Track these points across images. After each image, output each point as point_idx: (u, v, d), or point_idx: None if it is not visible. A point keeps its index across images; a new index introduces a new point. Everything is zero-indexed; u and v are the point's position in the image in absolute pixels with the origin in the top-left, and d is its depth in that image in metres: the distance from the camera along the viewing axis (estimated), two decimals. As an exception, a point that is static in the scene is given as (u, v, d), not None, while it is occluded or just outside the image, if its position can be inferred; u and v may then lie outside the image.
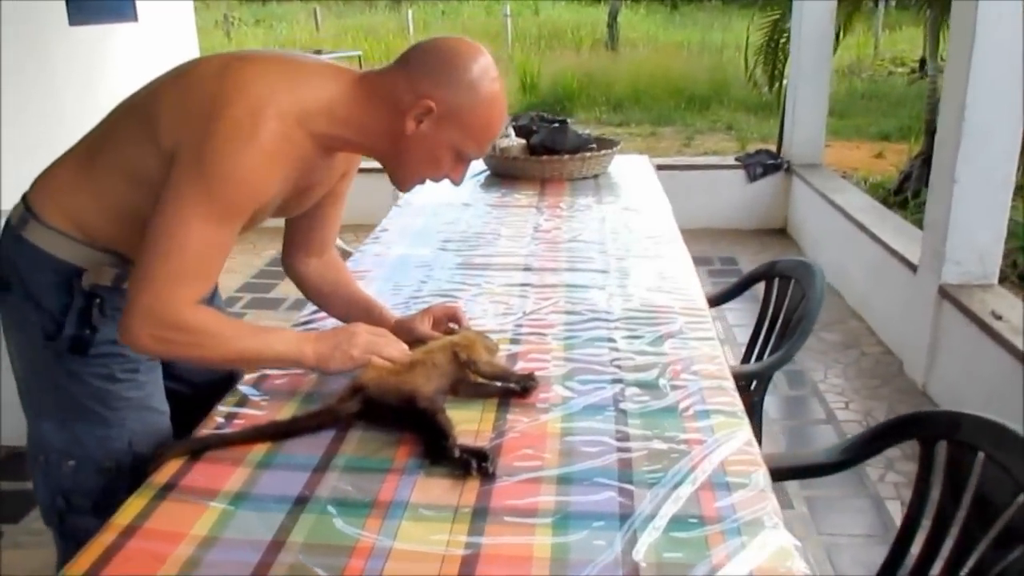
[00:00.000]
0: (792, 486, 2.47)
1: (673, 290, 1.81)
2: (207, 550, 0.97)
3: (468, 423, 1.25)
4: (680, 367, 1.43)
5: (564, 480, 1.11)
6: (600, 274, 1.91)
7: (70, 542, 1.24)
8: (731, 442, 1.20)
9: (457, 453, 1.13)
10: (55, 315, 1.25)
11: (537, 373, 1.39)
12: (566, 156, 2.84)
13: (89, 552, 0.97)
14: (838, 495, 2.47)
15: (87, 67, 4.29)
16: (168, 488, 1.10)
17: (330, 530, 1.01)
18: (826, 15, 4.85)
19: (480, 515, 1.04)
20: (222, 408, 1.31)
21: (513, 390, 1.33)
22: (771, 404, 3.02)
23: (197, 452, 1.18)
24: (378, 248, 2.17)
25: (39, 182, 1.29)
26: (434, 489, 1.09)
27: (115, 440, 1.30)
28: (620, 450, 1.18)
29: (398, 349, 1.30)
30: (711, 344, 1.53)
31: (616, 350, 1.51)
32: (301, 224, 1.52)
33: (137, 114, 1.23)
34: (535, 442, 1.20)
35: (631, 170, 3.10)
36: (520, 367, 1.44)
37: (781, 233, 5.11)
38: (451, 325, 1.50)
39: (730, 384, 1.38)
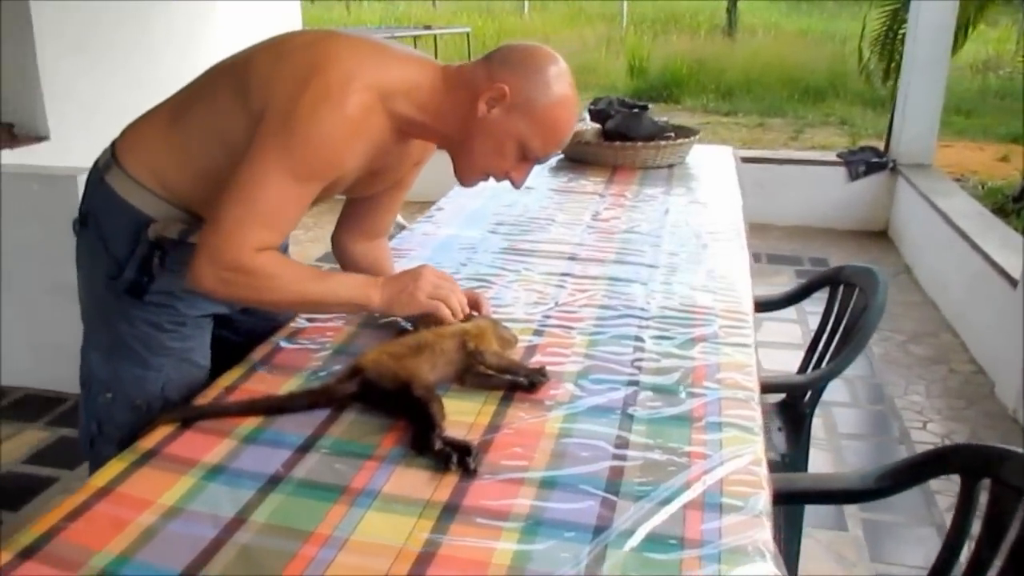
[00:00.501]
0: (851, 507, 2.33)
1: (720, 290, 1.71)
2: (168, 520, 0.97)
3: (465, 415, 1.21)
4: (704, 373, 1.35)
5: (547, 484, 1.05)
6: (647, 268, 1.83)
7: (95, 470, 1.28)
8: (738, 459, 1.11)
9: (439, 445, 1.09)
10: (119, 258, 1.32)
11: (551, 368, 1.34)
12: (639, 143, 2.74)
13: (59, 510, 0.98)
14: (901, 521, 2.31)
15: (186, 38, 4.42)
16: (151, 454, 1.10)
17: (294, 513, 0.99)
18: (947, 4, 4.53)
19: (449, 512, 0.99)
20: (224, 380, 1.31)
21: (520, 384, 1.28)
22: (842, 417, 2.86)
23: (190, 420, 1.18)
24: (429, 227, 2.14)
25: (127, 132, 1.36)
26: (410, 480, 1.05)
27: (150, 383, 1.36)
28: (615, 457, 1.11)
29: (459, 300, 1.32)
30: (745, 351, 1.44)
31: (641, 350, 1.43)
32: (361, 206, 1.56)
33: (229, 77, 1.27)
34: (528, 440, 1.15)
35: (711, 161, 2.97)
36: (535, 360, 1.39)
37: (881, 236, 4.83)
38: (472, 312, 1.46)
39: (754, 396, 1.29)
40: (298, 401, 1.22)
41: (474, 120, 1.26)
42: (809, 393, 1.89)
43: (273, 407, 1.21)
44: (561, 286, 1.73)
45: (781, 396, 1.98)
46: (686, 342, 1.46)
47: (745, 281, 1.78)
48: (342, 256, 1.59)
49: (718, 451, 1.13)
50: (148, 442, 1.13)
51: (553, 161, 2.87)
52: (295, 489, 1.03)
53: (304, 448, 1.12)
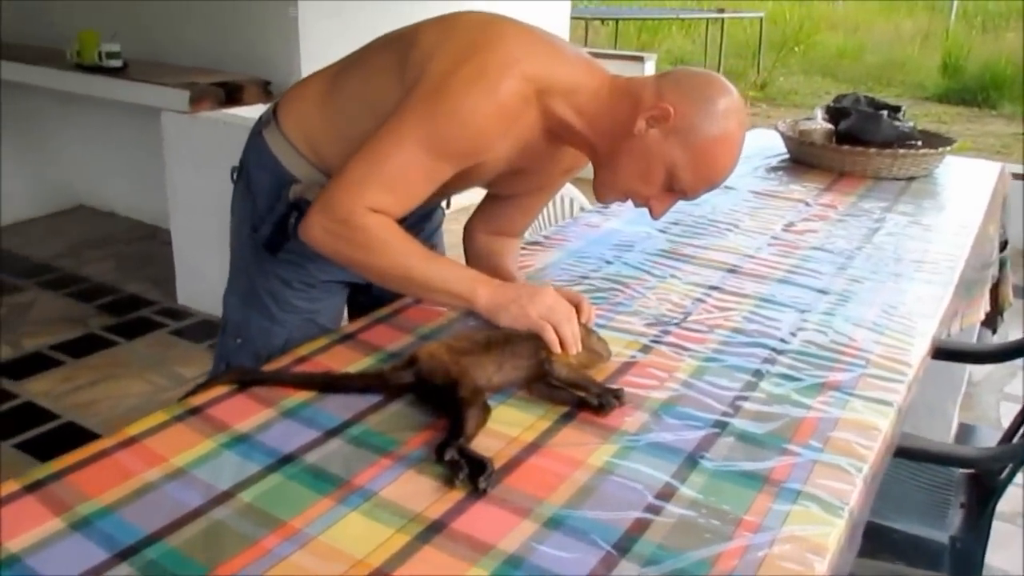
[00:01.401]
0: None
1: (889, 331, 1.44)
2: (168, 481, 0.97)
3: (511, 427, 1.11)
4: (813, 428, 1.13)
5: (553, 522, 0.93)
6: (813, 294, 1.59)
7: None
8: (794, 543, 0.91)
9: (449, 455, 1.00)
10: (262, 212, 1.36)
11: (635, 392, 1.19)
12: (873, 150, 2.40)
13: (83, 450, 1.02)
14: None
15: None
16: (194, 411, 1.12)
17: (281, 498, 0.95)
18: None
19: (430, 532, 0.91)
20: (302, 349, 1.31)
21: (589, 404, 1.15)
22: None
23: (247, 383, 1.19)
24: (596, 218, 2.03)
25: (290, 91, 1.40)
26: (413, 488, 0.98)
27: (274, 336, 1.40)
28: (648, 508, 0.96)
29: (572, 330, 1.19)
30: (881, 410, 1.19)
31: (752, 387, 1.23)
32: (500, 203, 1.51)
33: (393, 47, 1.27)
34: (562, 468, 1.02)
35: (969, 178, 2.55)
36: (624, 379, 1.24)
37: None
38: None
39: (863, 468, 1.05)
40: (352, 383, 1.19)
41: (629, 136, 1.17)
42: (1009, 467, 1.55)
43: (328, 384, 1.19)
44: (701, 300, 1.55)
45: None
46: (812, 387, 1.24)
47: (929, 324, 1.48)
48: (467, 244, 1.54)
49: (779, 527, 0.93)
50: (199, 399, 1.15)
51: (774, 160, 2.61)
52: (298, 473, 1.00)
53: (333, 432, 1.09)
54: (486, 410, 1.11)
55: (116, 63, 3.35)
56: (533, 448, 1.07)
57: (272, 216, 1.34)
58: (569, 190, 2.42)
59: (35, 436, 2.44)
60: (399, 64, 1.21)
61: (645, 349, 1.35)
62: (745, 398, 1.20)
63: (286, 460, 1.02)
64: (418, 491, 0.97)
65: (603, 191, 1.28)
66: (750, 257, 1.78)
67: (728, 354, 1.34)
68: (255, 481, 0.98)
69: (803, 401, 1.20)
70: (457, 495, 0.97)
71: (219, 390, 1.17)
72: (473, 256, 1.52)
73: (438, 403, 1.13)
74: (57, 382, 2.75)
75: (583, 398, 1.16)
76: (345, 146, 1.26)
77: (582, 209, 2.36)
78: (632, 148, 1.18)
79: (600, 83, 1.22)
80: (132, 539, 0.87)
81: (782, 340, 1.39)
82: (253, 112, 3.23)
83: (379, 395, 1.17)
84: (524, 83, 1.15)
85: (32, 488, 0.95)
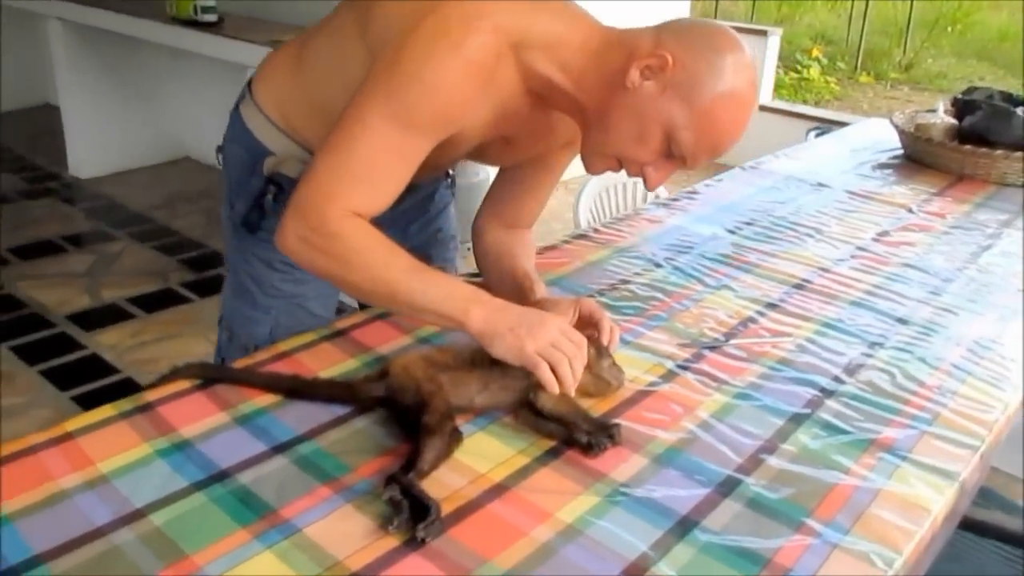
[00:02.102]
0: None
1: (974, 378, 1.20)
2: (84, 491, 0.88)
3: (482, 461, 0.96)
4: (841, 503, 0.93)
5: (488, 593, 0.78)
6: (891, 323, 1.36)
7: None
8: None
9: (388, 494, 0.86)
10: (236, 188, 1.27)
11: (639, 431, 1.03)
12: (999, 151, 2.08)
13: (15, 444, 0.94)
14: None
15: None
16: (144, 408, 1.03)
17: (196, 525, 0.84)
18: None
19: (343, 589, 0.78)
20: (284, 345, 1.20)
21: (577, 442, 0.99)
22: None
23: (211, 380, 1.09)
24: (660, 212, 1.83)
25: (263, 62, 1.30)
26: (347, 528, 0.85)
27: (258, 324, 1.31)
28: (610, 587, 0.80)
29: (574, 370, 1.01)
30: (938, 485, 0.97)
31: (783, 437, 1.04)
32: (503, 187, 1.36)
33: (355, 8, 1.14)
34: (524, 522, 0.87)
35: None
36: (629, 412, 1.07)
37: None
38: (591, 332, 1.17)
39: (892, 565, 0.85)
40: (320, 390, 1.07)
41: (621, 90, 1.01)
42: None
43: (294, 389, 1.07)
44: (752, 320, 1.34)
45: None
46: (858, 443, 1.04)
47: (1025, 374, 1.24)
48: (477, 244, 1.37)
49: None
50: (156, 393, 1.06)
51: (884, 156, 2.32)
52: (224, 495, 0.89)
53: (281, 448, 0.97)
54: (454, 440, 0.97)
55: (211, 17, 3.34)
56: (498, 491, 0.92)
57: (247, 192, 1.24)
58: (644, 177, 2.22)
59: (93, 390, 2.47)
60: (359, 24, 1.09)
61: (668, 376, 1.17)
62: (771, 451, 1.01)
63: (219, 477, 0.92)
64: (349, 533, 0.85)
65: (592, 157, 1.11)
66: (824, 271, 1.55)
67: (766, 391, 1.14)
68: (175, 500, 0.88)
69: (841, 462, 1.00)
70: (390, 543, 0.83)
71: (182, 385, 1.08)
72: (484, 257, 1.36)
73: (405, 424, 0.99)
74: (126, 336, 2.79)
75: (571, 435, 1.00)
76: (316, 115, 1.17)
77: (657, 197, 2.16)
78: (625, 104, 1.02)
79: (588, 34, 1.05)
80: (17, 558, 0.79)
81: (836, 379, 1.18)
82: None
83: (348, 407, 1.05)
84: (493, 35, 1.00)
85: (-58, 482, 0.88)
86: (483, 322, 1.02)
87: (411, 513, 0.85)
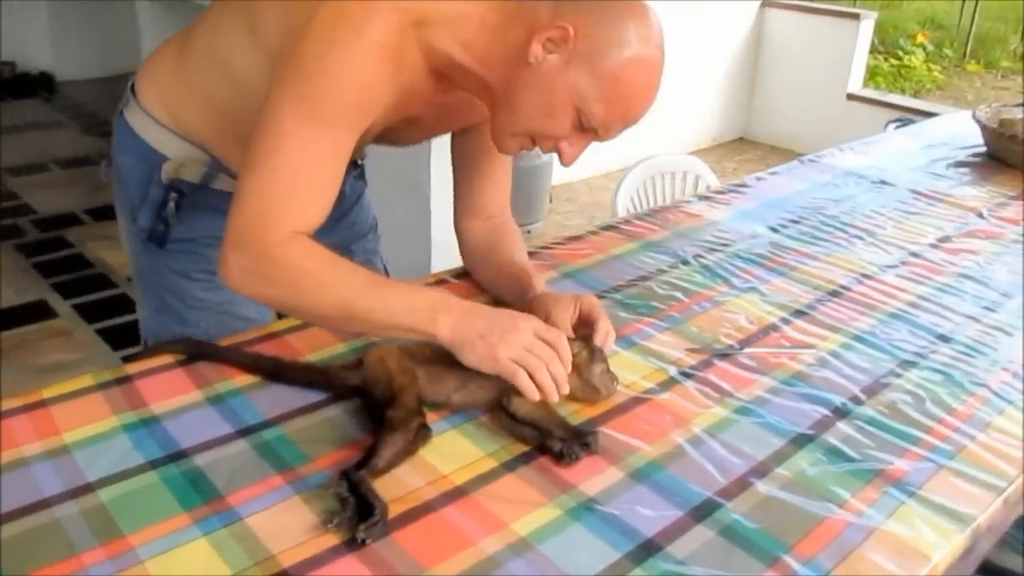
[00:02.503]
0: None
1: (1015, 408, 1.09)
2: (42, 460, 0.88)
3: (446, 462, 0.92)
4: (829, 539, 0.85)
5: (419, 605, 0.75)
6: (930, 340, 1.25)
7: None
8: None
9: (337, 488, 0.83)
10: (136, 202, 1.19)
11: (625, 442, 0.97)
12: (1090, 155, 1.90)
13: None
14: None
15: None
16: (122, 381, 1.03)
17: (139, 505, 0.83)
18: None
19: (270, 587, 0.75)
20: (275, 325, 1.18)
21: (549, 449, 0.94)
22: None
23: (195, 356, 1.08)
24: (701, 207, 1.74)
25: (144, 63, 1.23)
26: (288, 521, 0.82)
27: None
28: (550, 611, 0.75)
29: (553, 374, 0.96)
30: (945, 530, 0.87)
31: (779, 460, 0.96)
32: (462, 181, 1.29)
33: (233, 5, 1.09)
34: (474, 531, 0.83)
35: None
36: (616, 421, 1.01)
37: None
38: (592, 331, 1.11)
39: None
40: (297, 374, 1.05)
41: (524, 66, 0.96)
42: None
43: (273, 371, 1.05)
44: (775, 327, 1.26)
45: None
46: (862, 473, 0.95)
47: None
48: (461, 245, 1.31)
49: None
50: (138, 366, 1.06)
51: (963, 153, 2.16)
52: (176, 476, 0.87)
53: (246, 431, 0.95)
54: (420, 437, 0.93)
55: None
56: (456, 495, 0.88)
57: (148, 203, 1.17)
58: (694, 164, 2.12)
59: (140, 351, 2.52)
60: (244, 19, 1.04)
61: (667, 384, 1.10)
62: (761, 474, 0.94)
63: (175, 457, 0.90)
64: (289, 526, 0.82)
65: (502, 136, 1.05)
66: (867, 278, 1.44)
67: (772, 407, 1.06)
68: (127, 477, 0.87)
69: (838, 493, 0.92)
70: (330, 541, 0.80)
71: (164, 359, 1.07)
72: (471, 257, 1.30)
73: (376, 417, 0.96)
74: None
75: (543, 441, 0.95)
76: (205, 112, 1.13)
77: (708, 188, 2.06)
78: (530, 80, 0.97)
79: (486, 7, 0.99)
80: (-41, 524, 0.79)
81: (853, 399, 1.09)
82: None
83: (325, 394, 1.03)
84: (393, 15, 0.94)
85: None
86: (452, 330, 0.96)
87: (357, 512, 0.81)
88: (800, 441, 1.00)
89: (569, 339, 1.04)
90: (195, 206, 1.17)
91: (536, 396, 0.95)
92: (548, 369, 0.95)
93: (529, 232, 3.88)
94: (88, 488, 0.85)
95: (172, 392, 1.01)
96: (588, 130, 1.00)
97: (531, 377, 0.94)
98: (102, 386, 1.01)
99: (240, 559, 0.77)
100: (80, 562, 0.76)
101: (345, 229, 1.38)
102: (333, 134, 0.96)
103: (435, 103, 1.08)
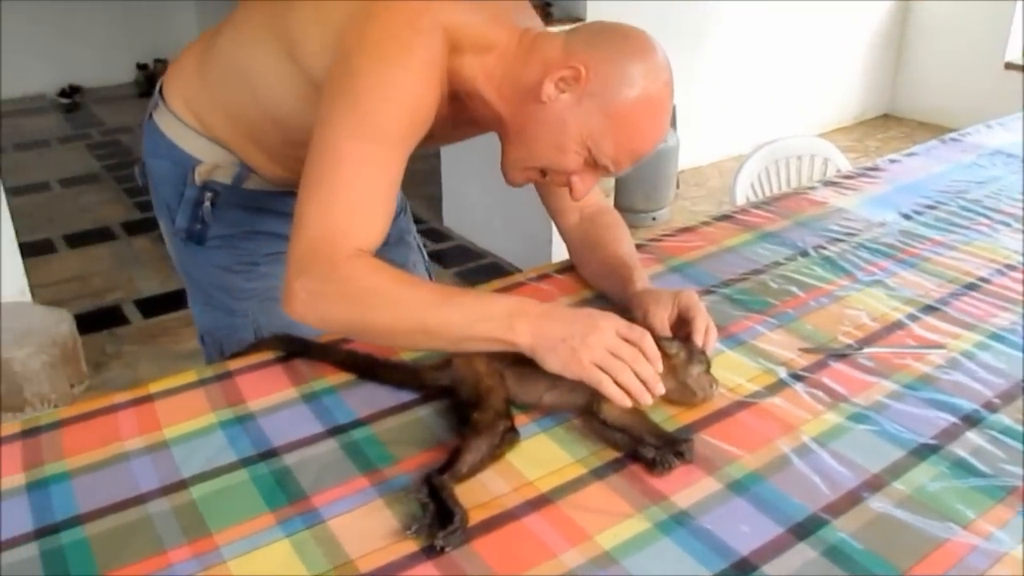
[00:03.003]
0: None
1: None
2: (141, 455, 0.91)
3: (533, 467, 0.89)
4: (950, 563, 0.77)
5: (494, 619, 0.72)
6: (1083, 340, 1.11)
7: None
8: None
9: (416, 495, 0.82)
10: (171, 204, 1.22)
11: (724, 450, 0.91)
12: None
13: (96, 401, 0.99)
14: None
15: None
16: (223, 376, 1.05)
17: (228, 503, 0.84)
18: None
19: (347, 592, 0.75)
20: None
21: (642, 457, 0.89)
22: None
23: (294, 353, 1.09)
24: (826, 192, 1.63)
25: (170, 66, 1.25)
26: (367, 525, 0.82)
27: (241, 330, 1.26)
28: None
29: (640, 375, 0.90)
30: None
31: (895, 474, 0.88)
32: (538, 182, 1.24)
33: (264, 12, 1.10)
34: (556, 542, 0.80)
35: None
36: (715, 427, 0.95)
37: None
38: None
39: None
40: (389, 373, 1.04)
41: (537, 103, 0.99)
42: None
43: (366, 369, 1.05)
44: (901, 324, 1.16)
45: None
46: (991, 491, 0.86)
47: None
48: (565, 242, 1.28)
49: None
50: (239, 362, 1.08)
51: None
52: (265, 475, 0.88)
53: (336, 431, 0.95)
54: (507, 441, 0.90)
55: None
56: (540, 503, 0.85)
57: (184, 204, 1.19)
58: (823, 147, 2.00)
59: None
60: (272, 31, 1.05)
61: (776, 387, 1.03)
62: (875, 489, 0.86)
63: (267, 455, 0.91)
64: (370, 530, 0.81)
65: (513, 169, 1.07)
66: (1010, 269, 1.30)
67: (892, 414, 0.97)
68: (219, 474, 0.88)
69: (963, 512, 0.83)
70: (409, 547, 0.79)
71: (264, 356, 1.09)
72: (574, 253, 1.27)
73: (463, 418, 0.94)
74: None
75: (636, 449, 0.90)
76: (228, 118, 1.15)
77: (837, 171, 1.93)
78: (542, 117, 1.00)
79: (510, 38, 1.02)
80: (63, 515, 0.83)
81: (987, 405, 0.98)
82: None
83: (417, 393, 1.02)
84: (439, 34, 0.96)
85: (28, 434, 0.94)
86: (531, 336, 0.92)
87: (437, 518, 0.80)
88: (922, 452, 0.91)
89: (667, 338, 1.00)
90: (229, 204, 1.21)
91: (627, 402, 0.90)
92: (634, 370, 0.90)
93: (654, 220, 3.79)
94: (182, 484, 0.87)
95: (269, 389, 1.03)
96: (599, 166, 1.02)
97: (617, 381, 0.90)
98: (203, 382, 1.04)
99: (319, 562, 0.77)
100: (167, 559, 0.77)
101: (393, 242, 1.38)
102: (388, 152, 0.96)
103: (448, 123, 1.08)
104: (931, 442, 0.93)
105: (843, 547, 0.79)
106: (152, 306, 2.96)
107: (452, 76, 1.01)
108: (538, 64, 0.99)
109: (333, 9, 0.99)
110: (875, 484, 0.87)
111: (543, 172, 1.06)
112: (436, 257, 3.36)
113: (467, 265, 3.35)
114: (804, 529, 0.81)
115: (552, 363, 0.92)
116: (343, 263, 0.93)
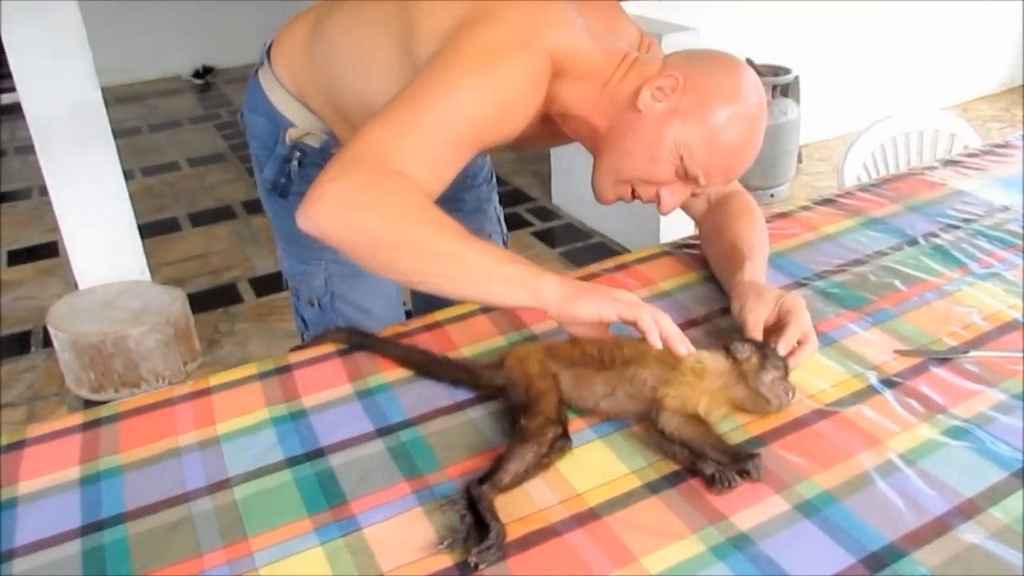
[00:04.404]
0: None
1: None
2: (193, 451, 0.90)
3: (583, 478, 0.84)
4: None
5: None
6: None
7: None
8: None
9: (453, 506, 0.78)
10: (262, 157, 1.27)
11: (799, 464, 0.83)
12: None
13: (156, 395, 1.00)
14: None
15: None
16: (282, 370, 1.04)
17: (269, 505, 0.83)
18: None
19: (375, 606, 0.72)
20: (440, 314, 1.14)
21: (701, 473, 0.82)
22: None
23: (355, 346, 1.08)
24: (945, 173, 1.48)
25: (281, 31, 1.27)
26: (404, 534, 0.78)
27: (314, 277, 1.31)
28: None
29: (667, 325, 0.88)
30: None
31: (990, 500, 0.78)
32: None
33: (392, 3, 1.08)
34: (598, 563, 0.74)
35: None
36: (790, 438, 0.87)
37: None
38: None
39: None
40: (445, 370, 1.00)
41: (632, 112, 1.01)
42: None
43: (423, 366, 1.02)
44: (1015, 326, 1.03)
45: None
46: (1110, 528, 0.74)
47: None
48: (700, 231, 1.26)
49: None
50: (299, 355, 1.07)
51: None
52: (309, 477, 0.86)
53: (386, 431, 0.93)
54: (557, 449, 0.85)
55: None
56: (586, 518, 0.79)
57: (274, 159, 1.24)
58: (951, 121, 1.82)
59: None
60: (399, 20, 1.04)
61: (863, 394, 0.93)
62: (967, 515, 0.76)
63: (314, 455, 0.90)
64: (405, 541, 0.78)
65: (604, 184, 1.08)
66: None
67: (997, 428, 0.86)
68: (264, 474, 0.87)
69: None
70: (443, 561, 0.75)
71: (325, 349, 1.08)
72: (704, 236, 1.23)
73: (514, 422, 0.90)
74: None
75: (695, 463, 0.83)
76: (323, 93, 1.17)
77: (965, 148, 1.75)
78: (638, 125, 1.01)
79: (611, 61, 1.03)
80: (109, 512, 0.83)
81: (1110, 424, 0.86)
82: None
83: (472, 392, 0.98)
84: (545, 59, 0.98)
85: (88, 426, 0.95)
86: (559, 288, 0.89)
87: (474, 532, 0.76)
88: (1029, 476, 0.80)
89: (740, 341, 0.92)
90: (315, 165, 1.20)
91: (658, 342, 0.86)
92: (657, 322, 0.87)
93: (772, 196, 3.61)
94: (227, 483, 0.86)
95: (325, 384, 1.01)
96: (690, 180, 1.02)
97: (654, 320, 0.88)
98: (262, 375, 1.03)
99: (349, 574, 0.75)
100: (201, 563, 0.76)
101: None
102: (466, 131, 0.96)
103: (537, 134, 1.09)
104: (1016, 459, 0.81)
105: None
106: (265, 284, 3.05)
107: (549, 100, 1.02)
108: (635, 77, 1.01)
109: (458, 5, 0.99)
110: (967, 511, 0.77)
111: (633, 190, 1.06)
112: (543, 236, 3.32)
113: (575, 244, 3.28)
114: (879, 560, 0.72)
115: (584, 307, 0.88)
116: (392, 173, 0.90)
